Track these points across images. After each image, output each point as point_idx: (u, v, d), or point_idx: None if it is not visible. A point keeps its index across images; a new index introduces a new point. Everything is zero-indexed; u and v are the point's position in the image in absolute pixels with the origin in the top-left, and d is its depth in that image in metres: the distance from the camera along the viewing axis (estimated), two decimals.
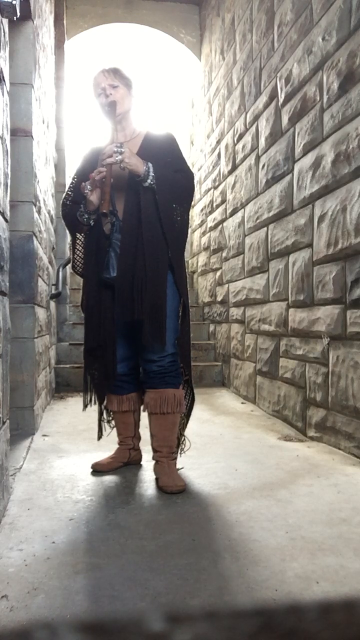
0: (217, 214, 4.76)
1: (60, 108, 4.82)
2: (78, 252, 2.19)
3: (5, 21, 1.76)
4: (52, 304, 4.21)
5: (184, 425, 2.14)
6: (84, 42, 5.42)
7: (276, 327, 3.26)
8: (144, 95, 6.42)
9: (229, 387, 4.39)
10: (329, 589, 1.22)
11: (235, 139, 4.17)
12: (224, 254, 4.52)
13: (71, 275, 5.35)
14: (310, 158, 2.75)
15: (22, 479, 2.03)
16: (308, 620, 1.16)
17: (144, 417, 2.14)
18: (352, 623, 1.18)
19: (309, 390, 2.81)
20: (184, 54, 5.57)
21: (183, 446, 2.13)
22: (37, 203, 2.95)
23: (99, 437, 2.25)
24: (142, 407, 2.15)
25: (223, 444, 2.63)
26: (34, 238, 2.78)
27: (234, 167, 4.20)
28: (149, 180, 1.90)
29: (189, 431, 2.20)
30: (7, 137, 1.81)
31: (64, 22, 5.03)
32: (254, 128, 3.71)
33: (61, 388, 4.28)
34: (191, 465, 2.18)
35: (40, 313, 3.12)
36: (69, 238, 4.55)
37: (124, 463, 2.18)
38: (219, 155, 4.72)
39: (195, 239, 5.74)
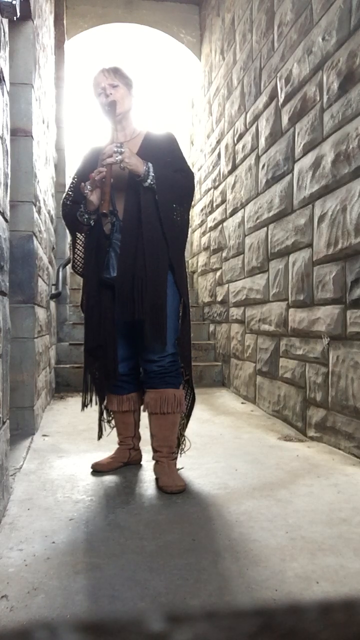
0: (217, 214, 4.76)
1: (60, 108, 4.82)
2: (78, 252, 2.19)
3: (5, 21, 1.76)
4: (52, 304, 4.21)
5: (184, 425, 2.13)
6: (84, 42, 5.42)
7: (276, 327, 3.26)
8: (144, 95, 6.42)
9: (229, 387, 4.39)
10: (329, 589, 1.22)
11: (235, 139, 4.17)
12: (224, 254, 4.52)
13: (71, 275, 5.35)
14: (310, 158, 2.75)
15: (22, 479, 2.03)
16: (308, 620, 1.16)
17: (144, 417, 2.14)
18: (352, 623, 1.18)
19: (309, 390, 2.81)
20: (184, 54, 5.58)
21: (183, 446, 2.13)
22: (37, 203, 2.95)
23: (99, 437, 2.25)
24: (142, 407, 2.15)
25: (223, 444, 2.63)
26: (34, 238, 2.79)
27: (234, 167, 4.20)
28: (149, 180, 1.90)
29: (189, 431, 2.20)
30: (7, 137, 1.81)
31: (64, 22, 5.03)
32: (254, 128, 3.71)
33: (61, 388, 4.28)
34: (191, 465, 2.18)
35: (40, 313, 3.12)
36: (69, 238, 4.55)
37: (124, 463, 2.18)
38: (219, 155, 4.71)
39: (195, 239, 5.74)
